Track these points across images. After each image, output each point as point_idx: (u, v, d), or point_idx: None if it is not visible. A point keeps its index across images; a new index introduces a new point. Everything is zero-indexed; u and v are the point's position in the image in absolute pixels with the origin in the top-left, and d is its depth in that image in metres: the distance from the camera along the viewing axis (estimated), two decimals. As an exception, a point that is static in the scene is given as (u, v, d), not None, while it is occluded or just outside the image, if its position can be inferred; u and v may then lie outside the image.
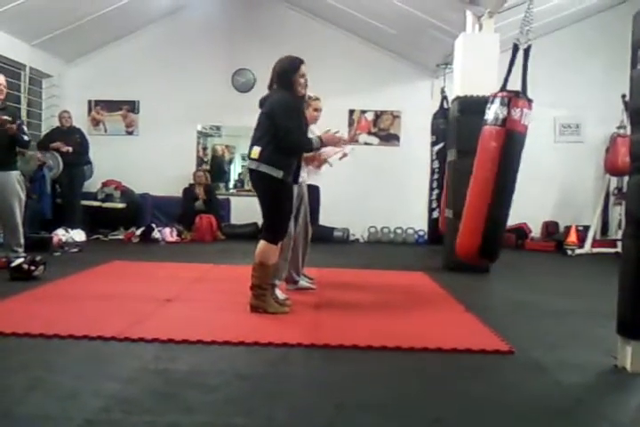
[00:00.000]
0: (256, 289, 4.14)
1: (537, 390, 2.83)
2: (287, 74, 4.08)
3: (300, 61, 4.13)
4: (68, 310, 4.06)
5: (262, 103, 4.19)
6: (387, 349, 3.34)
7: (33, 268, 5.07)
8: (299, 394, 2.66)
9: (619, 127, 8.56)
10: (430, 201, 8.62)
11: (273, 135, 3.98)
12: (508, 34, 6.91)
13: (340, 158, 4.97)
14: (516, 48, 4.60)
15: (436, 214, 8.40)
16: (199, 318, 3.96)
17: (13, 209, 5.60)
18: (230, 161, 10.48)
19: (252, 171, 4.08)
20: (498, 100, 4.51)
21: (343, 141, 4.32)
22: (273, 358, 3.16)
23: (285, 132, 3.95)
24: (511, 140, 4.47)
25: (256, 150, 4.02)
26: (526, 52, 4.56)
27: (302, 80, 4.10)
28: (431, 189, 8.59)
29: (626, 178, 8.63)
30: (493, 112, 4.52)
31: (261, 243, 4.16)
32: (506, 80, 4.62)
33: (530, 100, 4.56)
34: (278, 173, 3.98)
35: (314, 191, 5.09)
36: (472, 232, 4.59)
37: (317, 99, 4.97)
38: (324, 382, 2.82)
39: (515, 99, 4.45)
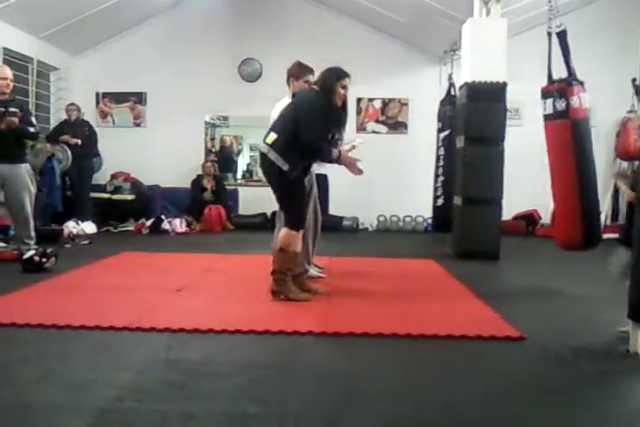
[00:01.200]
0: (277, 274, 4.17)
1: (548, 375, 2.83)
2: (330, 81, 4.11)
3: (346, 74, 4.16)
4: (80, 301, 4.08)
5: (293, 97, 4.29)
6: (397, 336, 3.34)
7: (44, 260, 5.10)
8: (310, 382, 2.67)
9: (629, 111, 8.48)
10: (435, 188, 8.58)
11: (294, 129, 3.99)
12: (515, 19, 6.87)
13: (349, 151, 4.91)
14: (549, 36, 4.58)
15: (440, 202, 8.37)
16: (210, 308, 3.97)
17: (24, 202, 5.62)
18: (238, 152, 10.47)
19: (262, 156, 4.12)
20: (552, 94, 4.49)
21: (358, 170, 4.26)
22: (284, 346, 3.18)
23: (307, 131, 3.95)
24: (579, 128, 4.48)
25: (272, 136, 4.06)
26: (561, 36, 4.53)
27: (342, 91, 4.11)
28: (436, 176, 8.54)
29: (637, 162, 8.60)
30: (551, 106, 4.49)
31: (283, 230, 4.20)
32: (549, 71, 4.60)
33: (582, 83, 4.55)
34: (284, 165, 4.00)
35: (322, 180, 5.10)
36: (571, 224, 4.61)
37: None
38: (335, 370, 2.83)
39: (569, 88, 4.44)
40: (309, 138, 3.96)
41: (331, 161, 4.19)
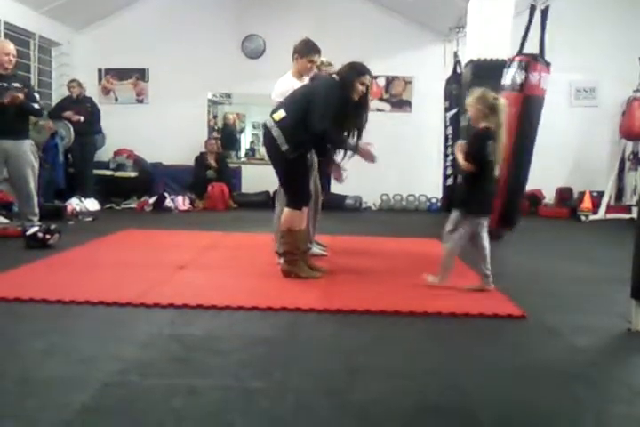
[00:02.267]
0: (287, 255, 4.19)
1: (551, 354, 2.85)
2: (351, 75, 4.08)
3: (369, 71, 4.14)
4: (84, 276, 4.10)
5: (311, 79, 4.30)
6: (400, 314, 3.36)
7: (48, 236, 5.11)
8: (313, 358, 2.69)
9: (635, 91, 8.42)
10: (445, 168, 8.54)
11: (304, 113, 3.95)
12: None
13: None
14: (533, 9, 4.49)
15: (450, 181, 8.32)
16: (213, 285, 3.99)
17: (27, 178, 5.62)
18: (241, 129, 10.43)
19: (267, 132, 4.08)
20: (515, 65, 4.41)
21: (372, 158, 4.22)
22: (286, 322, 3.19)
23: (317, 119, 3.90)
24: (530, 105, 4.39)
25: (281, 114, 4.03)
26: (544, 12, 4.45)
27: (360, 87, 4.09)
28: (445, 156, 8.50)
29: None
30: (511, 77, 4.43)
31: (286, 210, 4.19)
32: (523, 43, 4.53)
33: (548, 64, 4.47)
34: (283, 145, 3.99)
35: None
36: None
37: (330, 64, 4.91)
38: (337, 347, 2.84)
39: (533, 63, 4.35)
40: (318, 126, 3.92)
41: (346, 149, 4.16)
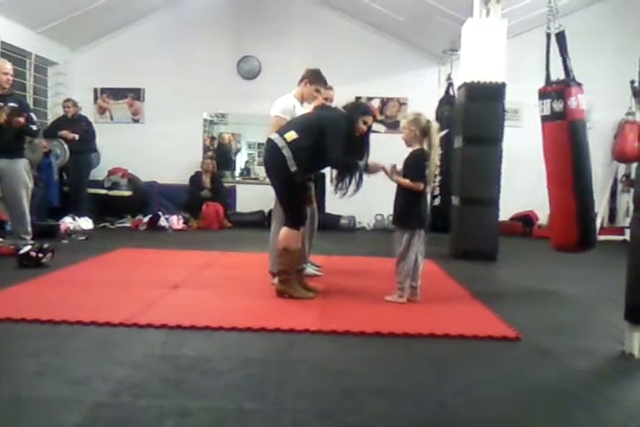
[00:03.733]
0: (282, 275, 4.19)
1: (544, 375, 2.84)
2: (355, 113, 4.21)
3: (372, 113, 4.32)
4: (77, 296, 4.07)
5: (324, 107, 4.40)
6: (394, 335, 3.35)
7: (41, 255, 5.09)
8: (307, 379, 2.67)
9: (627, 113, 8.50)
10: (433, 188, 8.58)
11: (317, 139, 4.03)
12: (515, 19, 6.88)
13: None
14: (548, 37, 4.57)
15: (437, 202, 8.38)
16: (206, 305, 3.97)
17: (21, 197, 5.62)
18: (236, 151, 10.46)
19: (274, 147, 4.07)
20: (550, 95, 4.48)
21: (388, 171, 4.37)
22: (280, 343, 3.18)
23: (331, 148, 4.03)
24: (576, 129, 4.48)
25: (292, 135, 4.06)
26: (559, 37, 4.53)
27: (362, 127, 4.21)
28: (434, 176, 8.54)
29: (634, 165, 8.61)
30: (549, 107, 4.49)
31: (283, 229, 4.21)
32: (547, 72, 4.59)
33: (580, 84, 4.55)
34: (293, 166, 4.03)
35: (319, 179, 5.08)
36: (567, 225, 4.60)
37: (330, 88, 5.00)
38: (331, 368, 2.83)
39: (567, 89, 4.43)
40: (332, 154, 4.05)
41: (360, 170, 4.28)
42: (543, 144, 4.71)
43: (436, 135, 4.23)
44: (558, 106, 4.44)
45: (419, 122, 4.21)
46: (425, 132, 4.21)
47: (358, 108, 4.32)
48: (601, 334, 3.57)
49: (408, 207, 4.23)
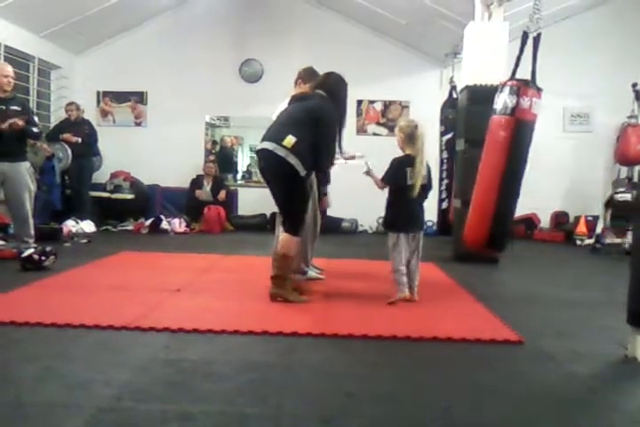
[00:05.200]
0: (278, 279, 4.18)
1: (547, 379, 2.83)
2: (345, 99, 4.28)
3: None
4: (79, 299, 4.08)
5: (302, 98, 4.29)
6: (396, 338, 3.34)
7: (43, 258, 5.10)
8: (309, 383, 2.67)
9: (629, 117, 8.49)
10: (440, 191, 8.58)
11: (313, 137, 4.01)
12: (517, 22, 6.86)
13: (348, 158, 4.96)
14: (525, 36, 4.53)
15: (445, 205, 8.36)
16: (209, 308, 3.97)
17: (24, 200, 5.63)
18: (238, 152, 10.48)
19: (277, 158, 3.97)
20: (507, 89, 4.43)
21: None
22: (282, 347, 3.18)
23: (327, 147, 4.10)
24: (520, 130, 4.41)
25: (291, 140, 3.97)
26: (536, 40, 4.49)
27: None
28: (440, 180, 8.55)
29: (637, 168, 8.61)
30: (502, 101, 4.45)
31: (284, 235, 4.18)
32: (515, 69, 4.55)
33: (539, 89, 4.50)
34: (302, 171, 3.99)
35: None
36: (480, 222, 4.54)
37: None
38: (334, 372, 2.83)
39: (524, 87, 4.38)
40: (328, 153, 4.12)
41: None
42: (486, 138, 4.64)
43: (421, 140, 4.33)
44: (511, 101, 4.41)
45: (406, 127, 4.41)
46: (410, 137, 4.35)
47: (342, 82, 4.32)
48: (604, 337, 3.56)
49: (391, 211, 4.43)
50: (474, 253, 6.19)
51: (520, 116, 4.36)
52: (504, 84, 4.49)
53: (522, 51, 4.53)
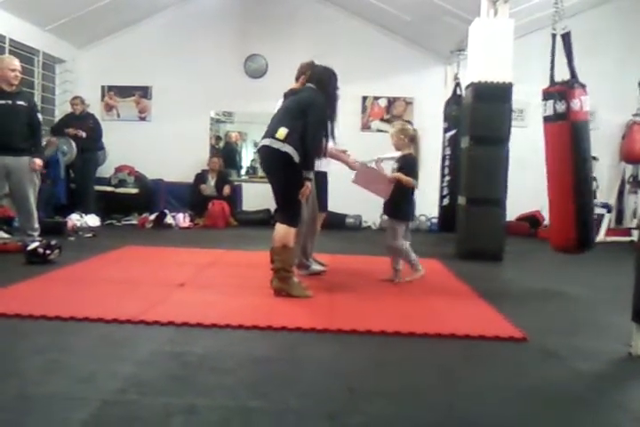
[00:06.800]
0: (280, 272, 4.19)
1: (551, 377, 2.83)
2: (334, 89, 4.37)
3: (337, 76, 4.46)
4: (84, 293, 4.09)
5: (293, 93, 4.38)
6: (400, 334, 3.35)
7: (48, 252, 5.11)
8: (312, 378, 2.68)
9: (635, 114, 8.47)
10: (442, 188, 8.57)
11: (303, 126, 4.10)
12: (523, 19, 6.87)
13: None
14: (554, 38, 4.55)
15: (446, 201, 8.36)
16: (213, 303, 3.98)
17: (28, 194, 5.64)
18: (242, 148, 10.49)
19: (273, 150, 4.12)
20: (554, 95, 4.45)
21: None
22: (287, 342, 3.18)
23: (316, 134, 4.16)
24: (578, 131, 4.45)
25: (283, 131, 4.10)
26: (565, 38, 4.50)
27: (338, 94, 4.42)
28: (442, 176, 8.54)
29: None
30: (552, 107, 4.46)
31: (281, 227, 4.22)
32: (552, 73, 4.57)
33: (583, 86, 4.52)
34: (296, 157, 4.08)
35: (322, 178, 5.09)
36: (565, 227, 4.57)
37: None
38: (337, 367, 2.83)
39: (570, 90, 4.40)
40: (314, 138, 4.15)
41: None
42: (545, 145, 4.68)
43: (420, 143, 4.91)
44: (561, 107, 4.41)
45: (407, 131, 4.88)
46: (412, 139, 4.86)
47: (334, 83, 4.39)
48: (608, 335, 3.56)
49: (401, 202, 4.87)
50: (479, 251, 6.24)
51: (574, 118, 4.40)
52: (548, 91, 4.50)
53: (553, 53, 4.55)
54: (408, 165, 4.81)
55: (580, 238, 4.54)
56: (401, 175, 4.75)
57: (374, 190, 4.86)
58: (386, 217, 5.18)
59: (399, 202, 4.84)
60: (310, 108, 4.15)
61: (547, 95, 4.53)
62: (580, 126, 4.45)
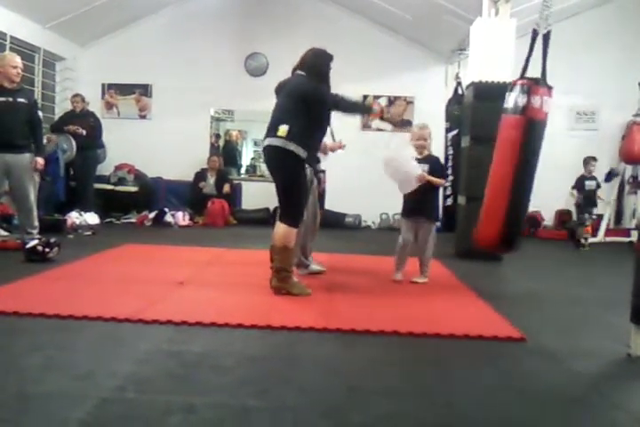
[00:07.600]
0: (281, 272, 4.19)
1: (549, 377, 2.83)
2: (325, 67, 4.35)
3: (332, 57, 4.43)
4: (83, 291, 4.09)
5: (282, 86, 4.35)
6: (399, 334, 3.35)
7: (47, 250, 5.11)
8: (311, 377, 2.68)
9: (635, 115, 8.46)
10: (444, 188, 8.55)
11: (306, 119, 4.09)
12: (524, 19, 6.85)
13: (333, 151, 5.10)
14: (535, 33, 4.50)
15: (449, 202, 8.34)
16: (212, 301, 3.98)
17: (28, 191, 5.63)
18: (242, 146, 10.49)
19: (278, 149, 4.11)
20: (517, 88, 4.41)
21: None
22: (285, 341, 3.18)
23: (344, 107, 4.34)
24: (532, 129, 4.39)
25: (284, 128, 4.09)
26: (546, 37, 4.47)
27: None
28: (445, 176, 8.53)
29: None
30: (513, 100, 4.42)
31: (281, 226, 4.20)
32: (525, 67, 4.52)
33: (550, 88, 4.47)
34: (304, 153, 4.08)
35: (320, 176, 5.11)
36: (493, 221, 4.50)
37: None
38: (336, 366, 2.84)
39: (535, 86, 4.36)
40: (344, 106, 4.33)
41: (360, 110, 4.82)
42: (497, 136, 4.62)
43: None
44: (522, 100, 4.38)
45: (430, 134, 5.04)
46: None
47: (326, 62, 4.40)
48: (606, 335, 3.56)
49: (433, 202, 5.05)
50: (478, 250, 6.21)
51: (531, 115, 4.34)
52: (514, 84, 4.46)
53: (532, 49, 4.50)
54: (441, 167, 5.17)
55: (504, 237, 4.44)
56: (433, 179, 4.84)
57: (400, 181, 4.83)
58: (413, 218, 4.97)
59: (434, 204, 5.08)
60: (304, 95, 4.16)
61: (512, 87, 4.49)
62: (534, 124, 4.38)
